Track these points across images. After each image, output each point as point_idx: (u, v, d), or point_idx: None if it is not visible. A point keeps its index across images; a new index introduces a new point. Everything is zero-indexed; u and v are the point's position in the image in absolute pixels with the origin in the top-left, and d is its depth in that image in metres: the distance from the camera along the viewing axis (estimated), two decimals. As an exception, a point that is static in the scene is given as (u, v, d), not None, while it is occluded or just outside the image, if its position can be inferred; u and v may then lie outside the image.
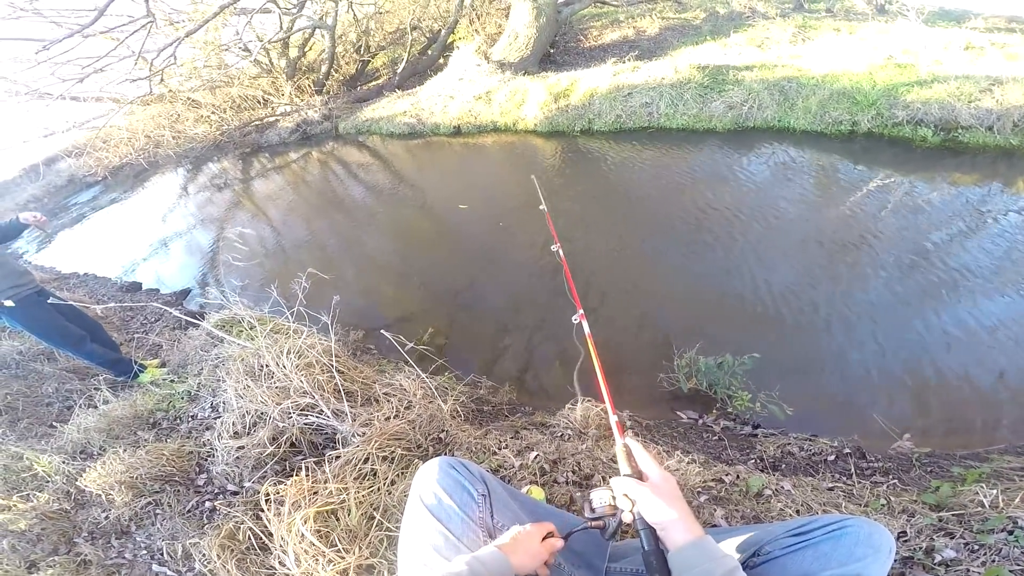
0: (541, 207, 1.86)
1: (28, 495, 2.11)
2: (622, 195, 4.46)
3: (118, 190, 8.90)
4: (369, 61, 10.00)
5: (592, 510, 0.96)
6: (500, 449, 1.98)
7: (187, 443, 2.22)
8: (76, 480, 2.10)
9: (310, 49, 9.69)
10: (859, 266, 3.06)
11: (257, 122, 8.94)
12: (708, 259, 3.38)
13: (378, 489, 1.73)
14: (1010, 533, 1.37)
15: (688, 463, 1.87)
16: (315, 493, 1.67)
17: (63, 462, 2.21)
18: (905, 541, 1.43)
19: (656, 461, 0.95)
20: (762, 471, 1.92)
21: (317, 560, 1.47)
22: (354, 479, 1.74)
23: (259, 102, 9.25)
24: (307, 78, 9.21)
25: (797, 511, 1.64)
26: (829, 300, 2.86)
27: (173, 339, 3.46)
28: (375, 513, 1.64)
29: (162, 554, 1.80)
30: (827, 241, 3.31)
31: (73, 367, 3.32)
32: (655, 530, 0.87)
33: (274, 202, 6.22)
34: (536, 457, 1.88)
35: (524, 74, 7.08)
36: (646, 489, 0.89)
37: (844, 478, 1.87)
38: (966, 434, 2.14)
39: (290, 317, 2.44)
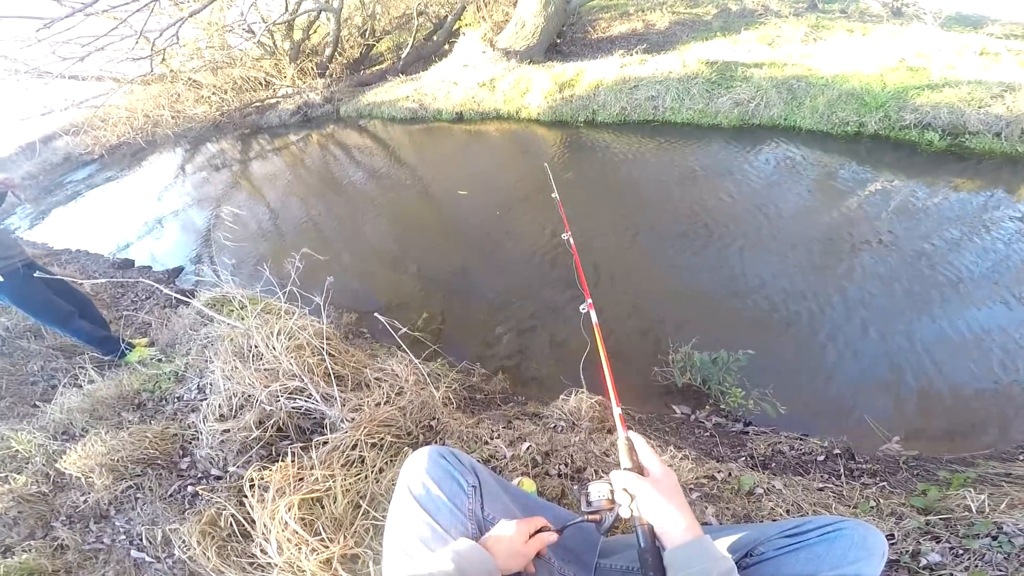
0: (553, 195, 1.82)
1: (6, 476, 2.06)
2: (622, 187, 4.41)
3: (114, 169, 8.81)
4: (374, 45, 9.88)
5: (589, 503, 0.93)
6: (492, 439, 1.94)
7: (172, 425, 2.18)
8: (56, 462, 2.05)
9: (314, 32, 9.56)
10: (856, 268, 3.04)
11: (258, 103, 8.84)
12: (706, 254, 3.35)
13: (365, 477, 1.69)
14: (994, 538, 1.37)
15: (680, 459, 1.85)
16: (301, 479, 1.64)
17: (44, 442, 2.17)
18: (893, 544, 1.43)
19: (658, 456, 0.92)
20: (753, 469, 1.91)
21: (300, 549, 1.44)
22: (341, 466, 1.71)
23: (261, 84, 9.13)
24: (310, 61, 9.10)
25: (787, 511, 1.62)
26: (825, 300, 2.84)
27: (163, 317, 3.41)
28: (361, 501, 1.61)
29: (141, 539, 1.76)
30: (826, 242, 3.28)
31: (60, 345, 3.26)
32: (653, 527, 0.84)
33: (272, 183, 6.15)
34: (528, 448, 1.85)
35: (529, 63, 6.99)
36: (647, 484, 0.87)
37: (834, 479, 1.86)
38: (952, 438, 2.15)
39: (282, 297, 2.39)
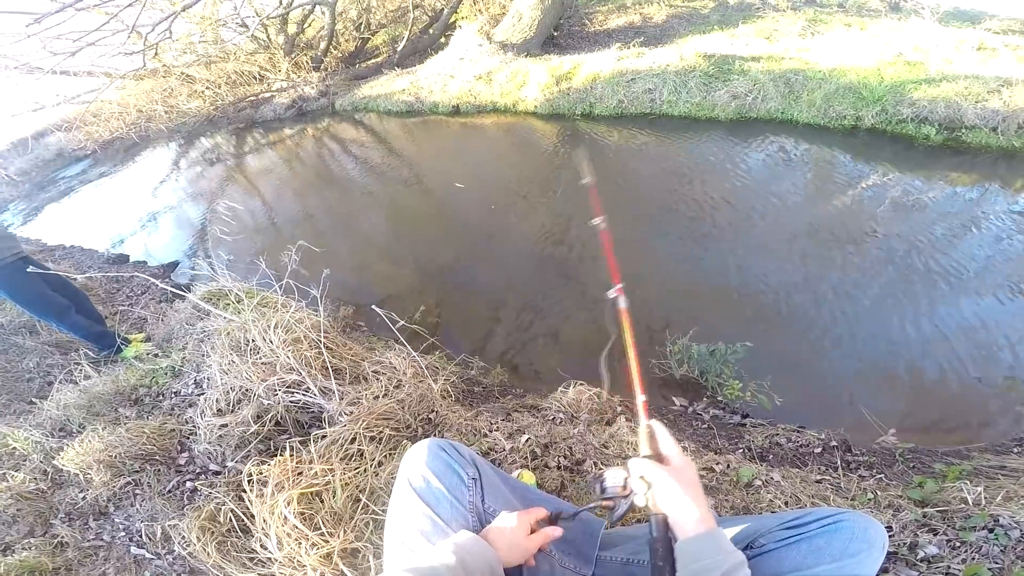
0: (585, 180, 1.79)
1: (4, 474, 2.05)
2: (618, 180, 4.40)
3: (108, 164, 8.70)
4: (369, 39, 9.79)
5: (603, 489, 0.92)
6: (491, 431, 1.94)
7: (169, 420, 2.16)
8: (54, 459, 2.04)
9: (309, 26, 9.46)
10: (853, 261, 3.06)
11: (252, 98, 8.75)
12: (703, 246, 3.35)
13: (365, 470, 1.69)
14: (990, 531, 1.38)
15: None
16: (299, 474, 1.63)
17: (41, 439, 2.15)
18: (891, 536, 1.43)
19: (679, 446, 0.91)
20: (751, 461, 1.92)
21: (300, 543, 1.44)
22: (340, 460, 1.70)
23: (255, 78, 9.03)
24: (305, 54, 9.00)
25: (786, 503, 1.63)
26: (822, 293, 2.86)
27: (159, 312, 3.38)
28: (361, 495, 1.61)
29: (141, 536, 1.75)
30: (823, 235, 3.29)
31: (55, 341, 3.24)
32: (667, 517, 0.83)
33: (267, 177, 6.11)
34: (527, 440, 1.85)
35: (526, 56, 6.95)
36: (665, 473, 0.85)
37: (831, 471, 1.87)
38: (948, 431, 2.16)
39: (279, 290, 2.37)
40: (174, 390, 2.41)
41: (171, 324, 3.05)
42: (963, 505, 1.50)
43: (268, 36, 8.72)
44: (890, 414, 2.20)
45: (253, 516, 1.56)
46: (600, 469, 1.60)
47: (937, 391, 2.30)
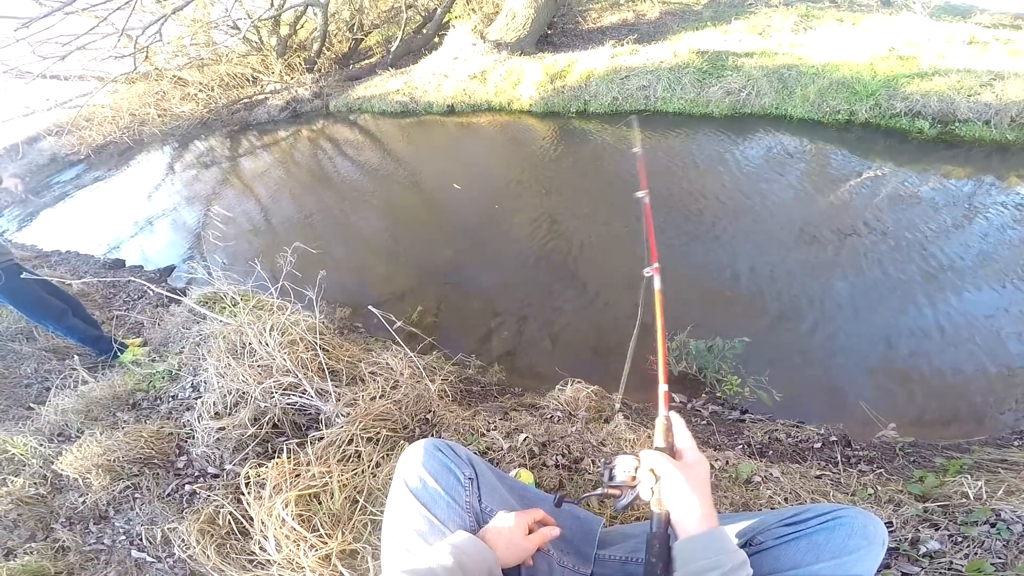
0: (635, 150, 1.76)
1: (4, 479, 2.04)
2: (614, 176, 4.41)
3: (102, 168, 8.67)
4: (362, 39, 9.76)
5: (612, 476, 0.91)
6: (489, 431, 1.94)
7: (167, 424, 2.16)
8: (53, 464, 2.04)
9: (301, 27, 9.43)
10: (849, 255, 3.06)
11: (246, 100, 8.72)
12: (699, 242, 3.36)
13: (362, 472, 1.69)
14: (992, 526, 1.37)
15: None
16: (297, 476, 1.63)
17: (39, 445, 2.15)
18: (892, 531, 1.42)
19: (695, 442, 0.89)
20: (750, 457, 1.91)
21: (299, 545, 1.44)
22: (337, 461, 1.70)
23: (248, 80, 9.00)
24: (298, 56, 8.97)
25: (786, 499, 1.63)
26: (818, 287, 2.86)
27: (155, 317, 3.38)
28: (359, 496, 1.61)
29: (141, 539, 1.75)
30: (818, 229, 3.30)
31: (52, 347, 3.23)
32: (669, 513, 0.82)
33: (262, 179, 6.09)
34: (525, 439, 1.85)
35: (520, 54, 6.94)
36: (675, 467, 0.83)
37: (831, 466, 1.87)
38: (947, 424, 2.17)
39: (274, 293, 2.37)
40: (171, 394, 2.40)
41: (168, 328, 3.04)
42: (964, 499, 1.49)
43: (260, 38, 8.69)
44: (889, 408, 2.20)
45: (252, 518, 1.56)
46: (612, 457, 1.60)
47: (936, 384, 2.30)
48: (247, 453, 1.89)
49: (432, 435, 1.93)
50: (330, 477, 1.62)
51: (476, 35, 7.23)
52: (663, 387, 1.00)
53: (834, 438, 2.00)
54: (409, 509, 0.92)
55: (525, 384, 2.58)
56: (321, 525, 1.49)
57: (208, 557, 1.54)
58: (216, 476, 1.91)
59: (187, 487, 1.91)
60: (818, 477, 1.77)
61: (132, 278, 3.22)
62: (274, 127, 8.08)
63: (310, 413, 2.02)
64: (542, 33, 7.53)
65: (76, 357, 2.90)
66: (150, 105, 8.48)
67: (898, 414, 2.17)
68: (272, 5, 7.67)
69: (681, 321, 2.63)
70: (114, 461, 1.96)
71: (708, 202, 3.74)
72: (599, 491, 0.94)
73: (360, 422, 1.82)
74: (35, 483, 2.02)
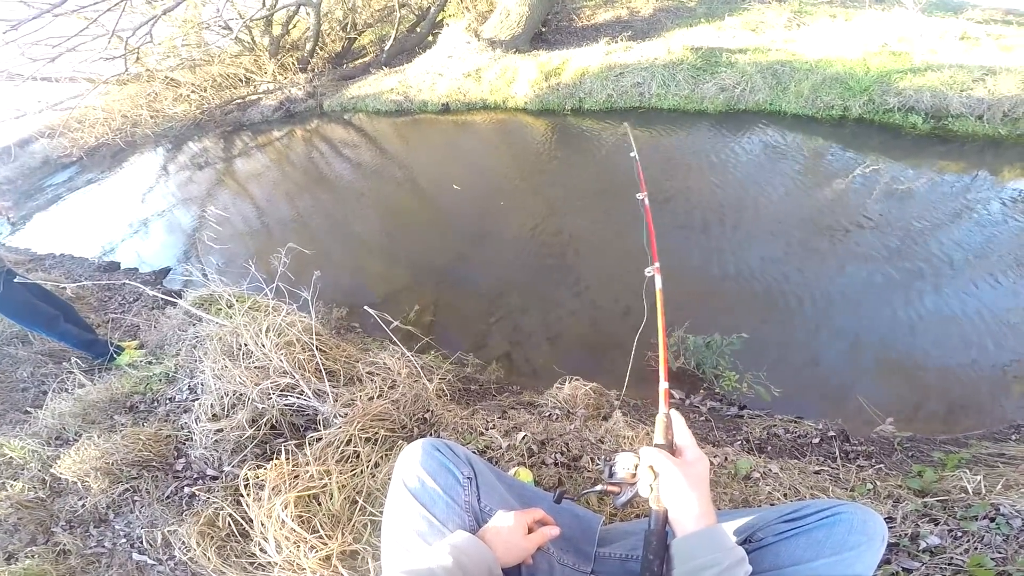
0: (632, 154, 1.77)
1: (3, 483, 2.04)
2: (609, 173, 4.40)
3: (95, 171, 8.62)
4: (355, 39, 9.72)
5: (612, 473, 0.91)
6: (487, 429, 1.94)
7: (165, 427, 2.16)
8: (51, 467, 2.03)
9: (294, 27, 9.37)
10: (844, 251, 3.07)
11: (239, 100, 8.68)
12: (696, 239, 3.36)
13: (361, 472, 1.69)
14: (992, 520, 1.37)
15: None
16: (296, 477, 1.63)
17: (37, 449, 2.14)
18: (891, 527, 1.42)
19: (695, 440, 0.89)
20: (749, 453, 1.91)
21: (299, 546, 1.44)
22: (336, 462, 1.70)
23: (241, 80, 8.95)
24: (291, 56, 8.92)
25: (785, 495, 1.63)
26: (815, 283, 2.87)
27: (151, 319, 3.36)
28: (358, 497, 1.61)
29: (142, 542, 1.75)
30: (814, 224, 3.31)
31: (48, 350, 3.21)
32: (667, 511, 0.82)
33: (257, 180, 6.07)
34: (524, 438, 1.85)
35: (515, 52, 6.93)
36: (674, 465, 0.84)
37: (830, 461, 1.87)
38: (945, 419, 2.17)
39: (270, 294, 2.36)
40: (168, 396, 2.39)
41: (164, 330, 3.03)
42: (963, 494, 1.49)
43: (252, 38, 8.63)
44: (887, 403, 2.21)
45: (251, 520, 1.56)
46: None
47: (933, 378, 2.30)
48: (245, 455, 1.89)
49: (430, 434, 1.93)
50: (329, 478, 1.62)
51: (470, 33, 7.21)
52: (664, 384, 1.01)
53: (832, 433, 2.01)
54: (408, 509, 0.92)
55: (523, 382, 2.58)
56: (321, 526, 1.49)
57: (209, 559, 1.54)
58: (215, 478, 1.91)
59: (186, 489, 1.91)
60: (817, 473, 1.77)
61: (127, 281, 3.21)
62: (268, 127, 8.05)
63: (308, 414, 2.02)
64: (536, 31, 7.51)
65: (74, 360, 2.88)
66: (142, 106, 8.42)
67: (895, 408, 2.18)
68: (264, 5, 7.63)
69: (679, 316, 2.63)
70: (113, 464, 1.95)
71: (703, 198, 3.74)
72: (599, 487, 0.94)
73: (358, 422, 1.81)
74: (34, 487, 2.02)
